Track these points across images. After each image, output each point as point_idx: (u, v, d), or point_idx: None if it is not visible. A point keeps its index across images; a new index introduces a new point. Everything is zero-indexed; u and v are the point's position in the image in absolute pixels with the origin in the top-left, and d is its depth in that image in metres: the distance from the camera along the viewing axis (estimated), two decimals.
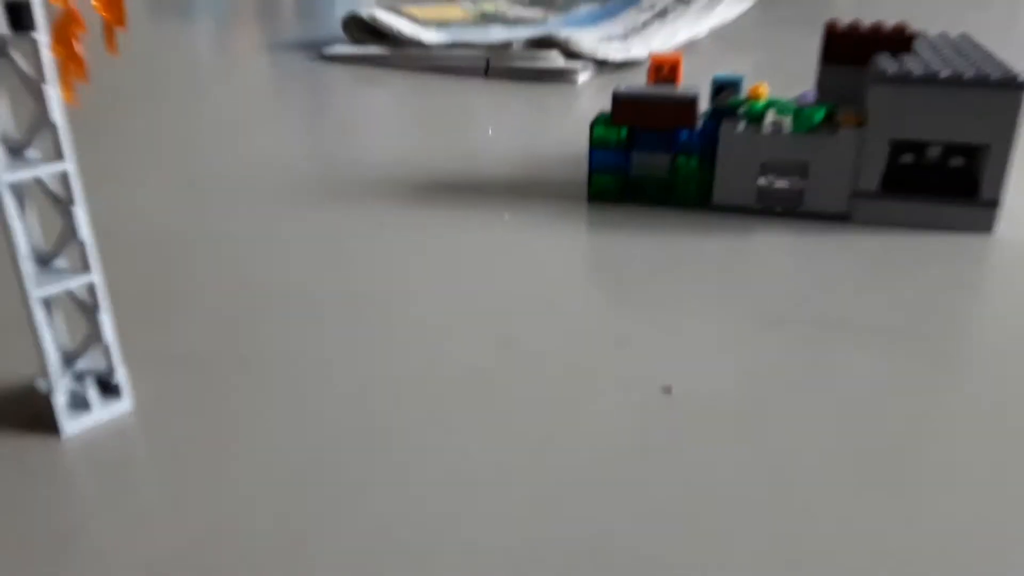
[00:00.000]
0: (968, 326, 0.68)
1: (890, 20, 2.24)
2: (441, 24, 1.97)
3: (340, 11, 2.01)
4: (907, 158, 0.85)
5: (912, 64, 0.84)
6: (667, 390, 0.59)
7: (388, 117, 1.37)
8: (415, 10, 2.04)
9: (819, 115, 0.85)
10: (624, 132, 0.92)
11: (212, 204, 0.97)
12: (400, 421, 0.57)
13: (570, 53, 1.62)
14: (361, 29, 1.88)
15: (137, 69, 1.69)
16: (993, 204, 0.83)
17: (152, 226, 0.90)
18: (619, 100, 0.90)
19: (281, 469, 0.53)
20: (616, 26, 1.92)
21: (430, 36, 1.83)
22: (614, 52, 1.66)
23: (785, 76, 1.55)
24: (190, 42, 2.01)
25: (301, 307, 0.73)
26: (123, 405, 0.57)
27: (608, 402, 0.58)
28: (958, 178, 0.85)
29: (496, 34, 1.84)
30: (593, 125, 0.93)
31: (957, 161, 0.84)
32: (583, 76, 1.60)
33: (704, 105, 0.93)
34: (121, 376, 0.57)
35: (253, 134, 1.26)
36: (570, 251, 0.83)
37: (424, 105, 1.44)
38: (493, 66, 1.65)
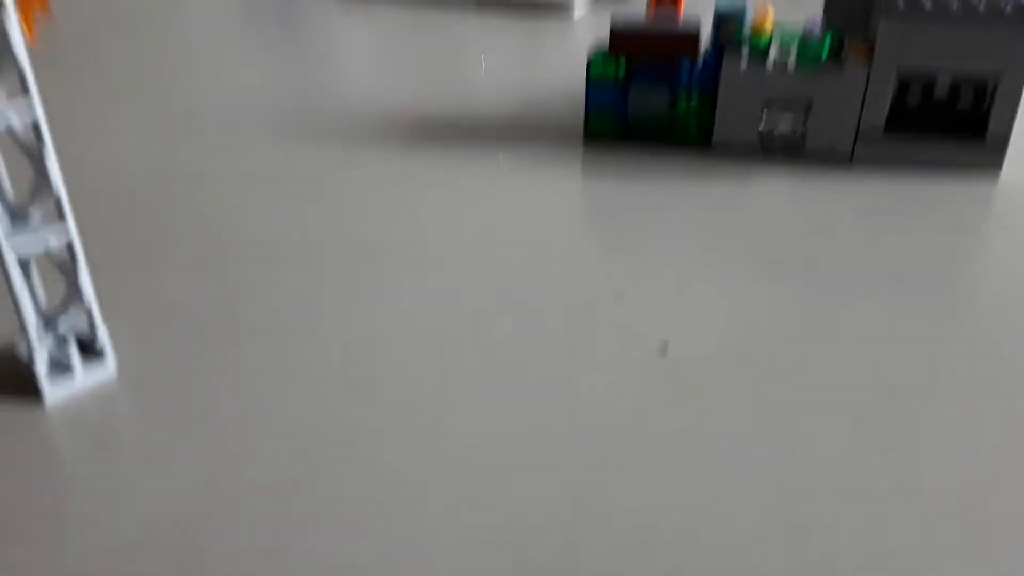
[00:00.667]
0: (970, 271, 0.67)
1: None
2: None
3: None
4: (914, 98, 0.82)
5: None
6: (664, 346, 0.57)
7: (376, 51, 1.32)
8: None
9: (825, 49, 0.81)
10: (623, 68, 0.88)
11: (188, 145, 0.93)
12: (396, 373, 0.55)
13: None
14: None
15: (104, 2, 1.62)
16: (1002, 139, 0.80)
17: (126, 171, 0.87)
18: (617, 29, 0.86)
19: (269, 428, 0.51)
20: None
21: None
22: None
23: (793, 3, 1.49)
24: None
25: (288, 255, 0.70)
26: (106, 369, 0.55)
27: (606, 358, 0.57)
28: (966, 117, 0.82)
29: None
30: (590, 60, 0.89)
31: (966, 100, 0.81)
32: (580, 8, 1.55)
33: (707, 36, 0.89)
34: (103, 338, 0.55)
35: (231, 69, 1.21)
36: (567, 196, 0.80)
37: (414, 38, 1.39)
38: None
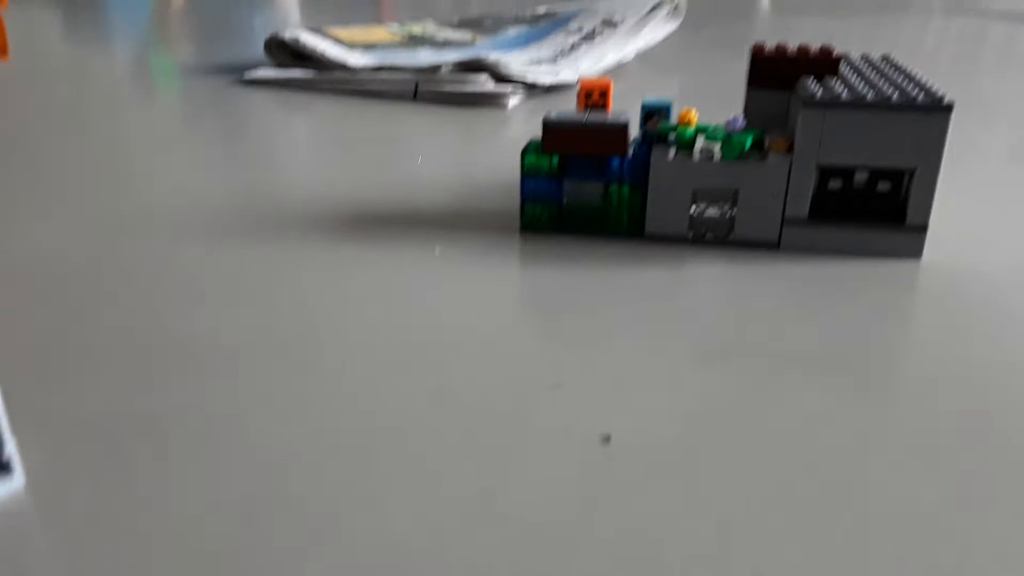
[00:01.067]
0: (901, 354, 0.68)
1: (808, 40, 2.30)
2: (368, 47, 1.93)
3: (262, 33, 1.95)
4: (835, 184, 0.86)
5: (839, 88, 0.84)
6: (606, 439, 0.56)
7: (313, 144, 1.32)
8: (341, 32, 2.01)
9: (748, 141, 0.85)
10: (556, 160, 0.90)
11: (119, 241, 0.91)
12: (323, 484, 0.53)
13: (499, 76, 1.61)
14: (284, 52, 1.83)
15: (46, 94, 1.60)
16: (920, 229, 0.84)
17: (51, 266, 0.84)
18: (549, 128, 0.88)
19: (192, 544, 0.48)
20: (545, 49, 1.91)
21: (356, 59, 1.79)
22: (543, 75, 1.65)
23: (712, 99, 1.56)
24: (103, 66, 1.93)
25: (213, 357, 0.68)
26: (13, 483, 0.52)
27: (546, 453, 0.55)
28: (885, 203, 0.85)
29: (424, 57, 1.82)
30: (524, 153, 0.90)
31: (884, 186, 0.85)
32: (513, 100, 1.59)
33: (635, 131, 0.92)
34: (11, 451, 0.52)
35: (167, 164, 1.20)
36: (504, 286, 0.80)
37: (351, 131, 1.40)
38: (422, 90, 1.62)
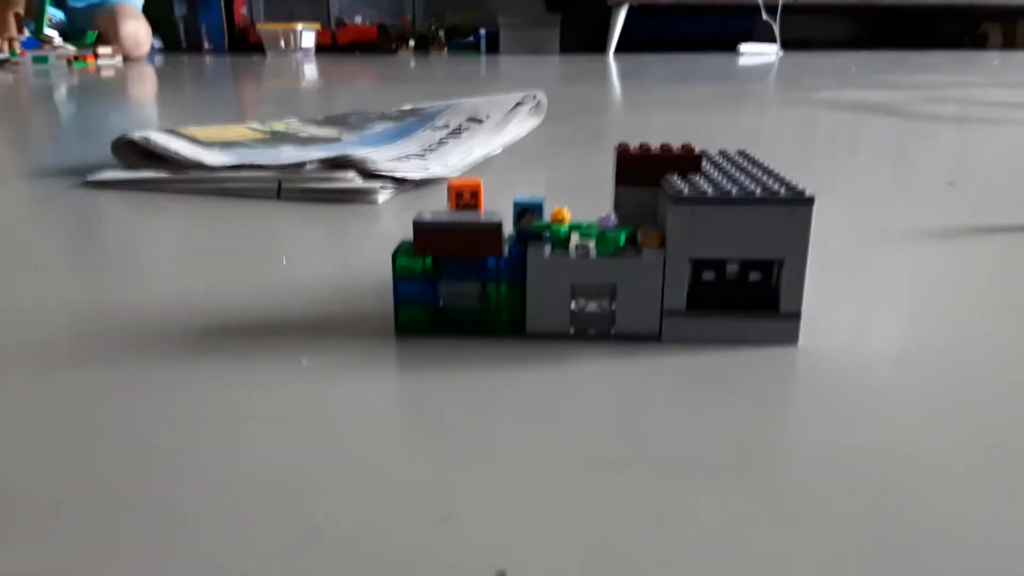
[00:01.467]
0: (790, 450, 0.67)
1: (660, 133, 2.42)
2: (226, 145, 1.87)
3: (110, 135, 1.84)
4: (709, 275, 0.86)
5: (703, 184, 0.85)
6: (501, 574, 0.51)
7: (166, 250, 1.23)
8: (196, 131, 1.93)
9: (622, 238, 0.84)
10: (429, 261, 0.86)
11: None
12: None
13: (367, 173, 1.58)
14: (134, 152, 1.74)
15: None
16: (794, 316, 0.85)
17: None
18: (421, 230, 0.84)
19: None
20: (412, 144, 1.91)
21: (214, 157, 1.72)
22: (413, 170, 1.64)
23: (579, 191, 1.59)
24: None
25: (35, 506, 0.58)
26: None
27: None
28: (759, 292, 0.87)
29: (288, 154, 1.77)
30: (396, 255, 0.86)
31: (756, 276, 0.86)
32: (383, 195, 1.56)
33: (508, 229, 0.90)
34: None
35: None
36: (379, 400, 0.74)
37: (209, 234, 1.32)
38: (286, 188, 1.57)
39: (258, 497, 0.59)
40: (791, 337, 0.86)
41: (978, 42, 9.25)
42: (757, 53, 7.49)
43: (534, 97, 2.05)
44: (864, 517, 0.57)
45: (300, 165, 1.59)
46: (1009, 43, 9.18)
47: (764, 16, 7.44)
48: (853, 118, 2.77)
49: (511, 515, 0.57)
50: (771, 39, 7.50)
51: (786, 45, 7.69)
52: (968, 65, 5.75)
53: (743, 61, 6.50)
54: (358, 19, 9.15)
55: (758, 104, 3.23)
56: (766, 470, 0.63)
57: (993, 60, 6.47)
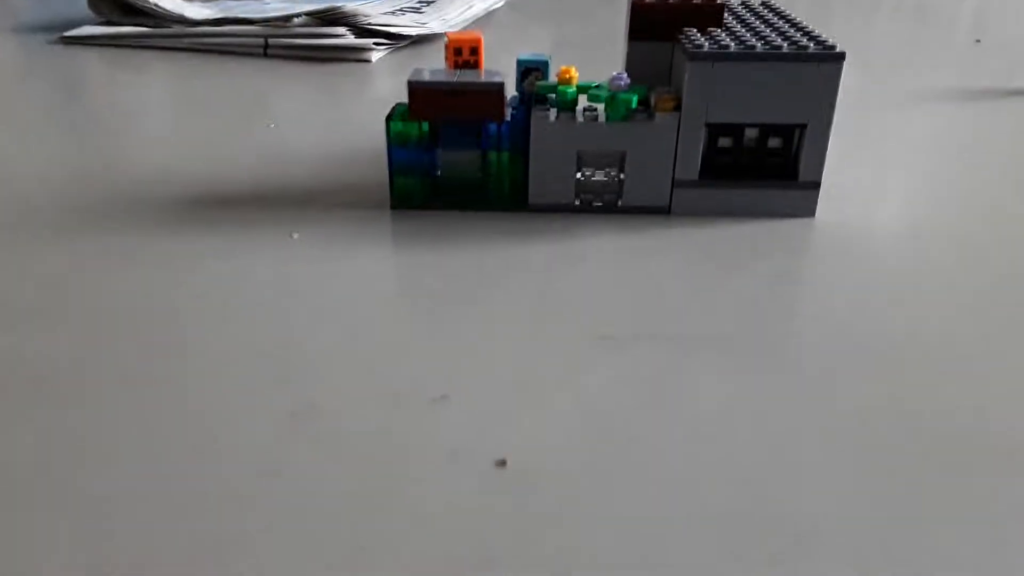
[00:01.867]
0: (802, 328, 0.64)
1: None
2: None
3: None
4: (725, 142, 0.80)
5: (725, 39, 0.78)
6: (501, 463, 0.49)
7: (149, 112, 1.16)
8: None
9: (634, 100, 0.78)
10: (426, 127, 0.80)
11: None
12: (160, 536, 0.43)
13: (360, 28, 1.47)
14: (112, 5, 1.62)
15: None
16: (813, 186, 0.80)
17: None
18: (416, 91, 0.78)
19: None
20: None
21: (195, 11, 1.61)
22: (409, 27, 1.53)
23: (589, 49, 1.49)
24: None
25: (18, 377, 0.56)
26: None
27: (433, 485, 0.48)
28: (778, 160, 0.81)
29: (275, 6, 1.65)
30: (389, 119, 0.80)
31: (775, 142, 0.80)
32: (377, 54, 1.46)
33: (511, 90, 0.83)
34: None
35: None
36: (374, 276, 0.71)
37: (192, 95, 1.24)
38: (272, 44, 1.47)
39: (253, 371, 0.57)
40: (809, 209, 0.81)
41: None
42: None
43: None
44: (877, 396, 0.55)
45: (287, 18, 1.49)
46: None
47: None
48: None
49: (512, 394, 0.55)
50: None
51: None
52: None
53: None
54: None
55: None
56: (778, 348, 0.60)
57: None
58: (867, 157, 0.98)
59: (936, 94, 1.24)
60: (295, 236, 0.77)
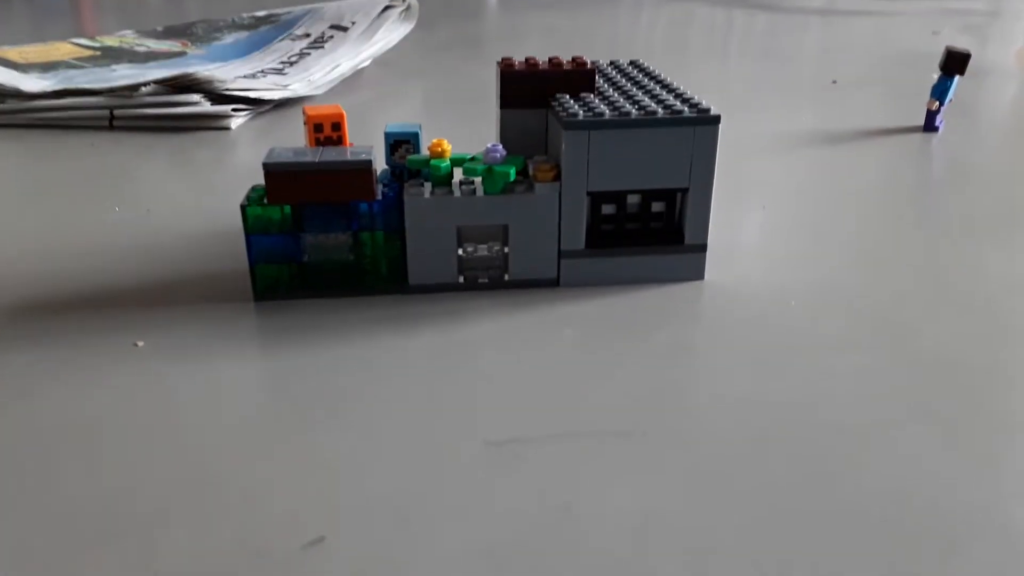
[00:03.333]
0: (701, 404, 0.61)
1: (538, 37, 2.27)
2: (48, 66, 1.61)
3: None
4: (609, 209, 0.77)
5: (598, 104, 0.75)
6: None
7: None
8: (10, 51, 1.66)
9: (512, 172, 0.74)
10: (288, 210, 0.73)
11: None
12: None
13: (216, 94, 1.39)
14: None
15: None
16: (700, 248, 0.78)
17: None
18: (274, 175, 0.71)
19: None
20: (268, 57, 1.71)
21: (32, 83, 1.48)
22: (270, 91, 1.45)
23: (458, 106, 1.46)
24: None
25: None
26: None
27: None
28: (663, 225, 0.79)
29: (122, 74, 1.54)
30: (246, 205, 0.73)
31: (659, 206, 0.78)
32: (237, 120, 1.38)
33: (380, 163, 0.78)
34: None
35: None
36: (232, 389, 0.62)
37: (27, 177, 1.12)
38: (119, 115, 1.36)
39: (73, 527, 0.47)
40: (698, 272, 0.79)
41: None
42: None
43: (403, 0, 1.86)
44: (779, 475, 0.52)
45: (135, 87, 1.38)
46: None
47: None
48: (725, 14, 2.71)
49: (398, 531, 0.48)
50: None
51: None
52: None
53: None
54: None
55: (634, 3, 3.12)
56: (680, 437, 0.56)
57: None
58: (747, 209, 0.98)
59: (802, 137, 1.27)
60: (139, 344, 0.68)
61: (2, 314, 0.73)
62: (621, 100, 0.77)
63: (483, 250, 0.77)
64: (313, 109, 0.76)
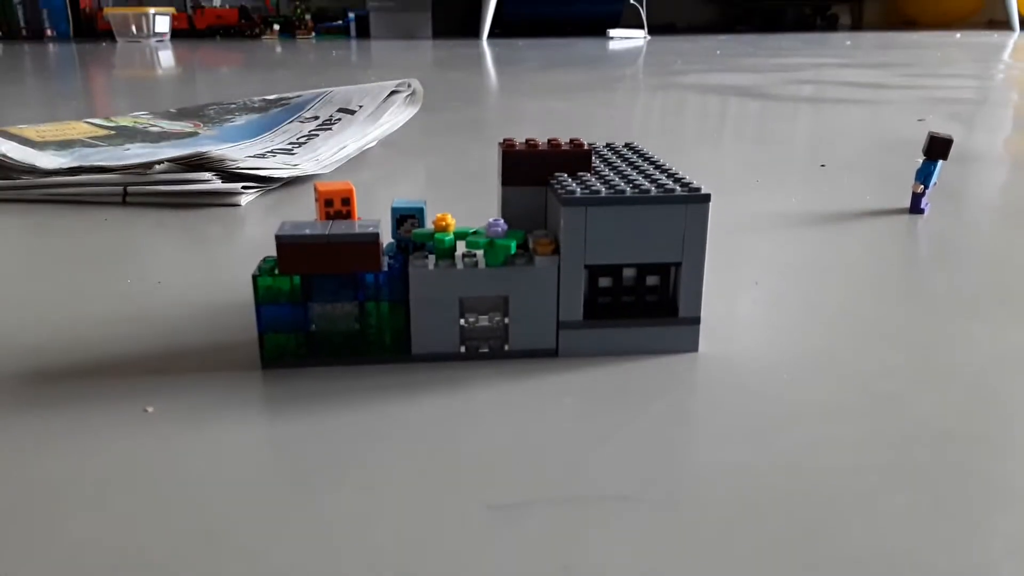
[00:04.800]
0: (701, 472, 0.62)
1: (538, 120, 2.36)
2: (63, 145, 1.67)
3: None
4: (605, 282, 0.80)
5: (595, 183, 0.79)
6: None
7: None
8: (27, 130, 1.72)
9: (513, 246, 0.77)
10: (297, 281, 0.76)
11: None
12: None
13: (227, 172, 1.44)
14: None
15: None
16: (693, 321, 0.81)
17: None
18: (285, 247, 0.74)
19: None
20: (278, 138, 1.78)
21: (48, 160, 1.53)
22: (279, 169, 1.51)
23: (460, 184, 1.51)
24: None
25: None
26: None
27: None
28: (657, 297, 0.81)
29: (135, 153, 1.60)
30: (257, 276, 0.76)
31: (653, 280, 0.81)
32: (246, 197, 1.42)
33: (386, 237, 0.81)
34: None
35: None
36: (238, 454, 0.64)
37: (41, 249, 1.15)
38: (132, 192, 1.40)
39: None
40: (691, 344, 0.82)
41: (829, 23, 9.76)
42: (626, 37, 7.59)
43: (409, 85, 1.95)
44: (773, 539, 0.53)
45: (148, 165, 1.43)
46: (857, 24, 9.74)
47: (632, 0, 7.56)
48: (719, 100, 2.81)
49: None
50: (639, 24, 7.63)
51: (653, 30, 7.84)
52: (821, 46, 6.03)
53: (613, 45, 6.57)
54: (217, 2, 8.65)
55: (630, 89, 3.24)
56: (681, 503, 0.58)
57: (844, 41, 6.82)
58: (740, 284, 1.01)
59: (792, 217, 1.31)
60: (149, 410, 0.70)
61: (12, 381, 0.75)
62: (616, 179, 0.81)
63: (484, 320, 0.80)
64: (324, 185, 0.80)
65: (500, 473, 0.61)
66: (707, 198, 0.77)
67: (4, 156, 1.49)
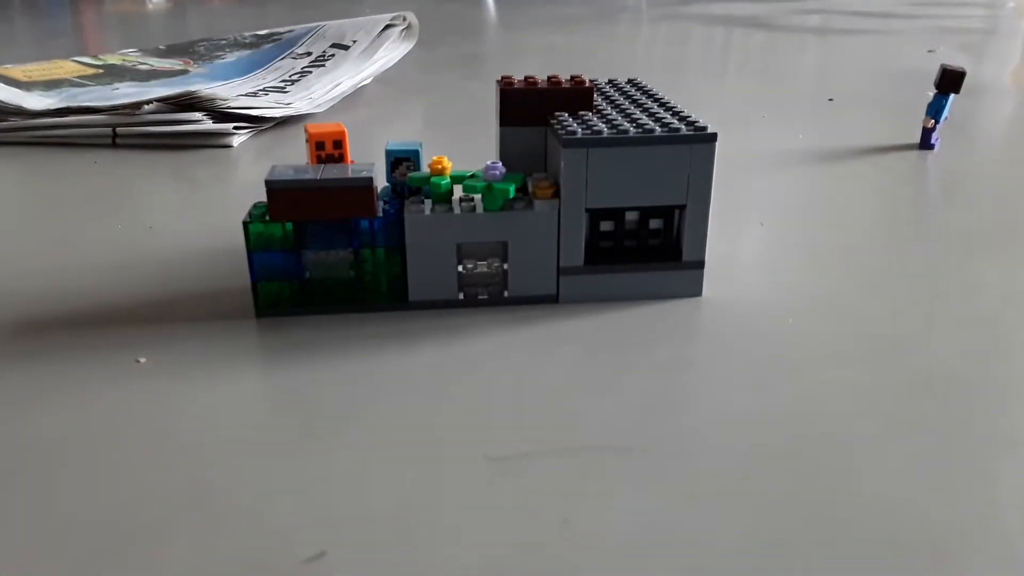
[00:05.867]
0: (702, 420, 0.61)
1: (538, 53, 2.29)
2: (50, 84, 1.63)
3: None
4: (607, 226, 0.78)
5: (597, 122, 0.76)
6: None
7: None
8: (14, 70, 1.68)
9: (511, 190, 0.75)
10: (290, 227, 0.74)
11: None
12: None
13: (218, 112, 1.40)
14: None
15: None
16: (697, 265, 0.79)
17: None
18: (276, 192, 0.72)
19: None
20: (270, 75, 1.73)
21: (35, 101, 1.49)
22: (272, 108, 1.47)
23: (459, 124, 1.47)
24: None
25: None
26: None
27: None
28: (660, 241, 0.79)
29: (124, 92, 1.56)
30: (248, 222, 0.73)
31: (656, 223, 0.79)
32: (239, 138, 1.39)
33: (381, 181, 0.79)
34: None
35: None
36: (233, 405, 0.63)
37: (30, 194, 1.13)
38: (121, 133, 1.37)
39: (83, 548, 0.48)
40: (695, 288, 0.80)
41: None
42: None
43: (404, 18, 1.88)
44: (777, 489, 0.52)
45: (137, 105, 1.39)
46: None
47: None
48: (724, 31, 2.73)
49: (400, 545, 0.48)
50: None
51: None
52: None
53: None
54: None
55: (633, 20, 3.15)
56: (682, 451, 0.57)
57: None
58: (745, 226, 0.99)
59: (799, 154, 1.28)
60: (141, 361, 0.68)
61: (3, 331, 0.73)
62: (619, 118, 0.78)
63: (483, 267, 0.78)
64: (315, 127, 0.77)
65: (499, 424, 0.60)
66: (713, 137, 0.74)
67: None
